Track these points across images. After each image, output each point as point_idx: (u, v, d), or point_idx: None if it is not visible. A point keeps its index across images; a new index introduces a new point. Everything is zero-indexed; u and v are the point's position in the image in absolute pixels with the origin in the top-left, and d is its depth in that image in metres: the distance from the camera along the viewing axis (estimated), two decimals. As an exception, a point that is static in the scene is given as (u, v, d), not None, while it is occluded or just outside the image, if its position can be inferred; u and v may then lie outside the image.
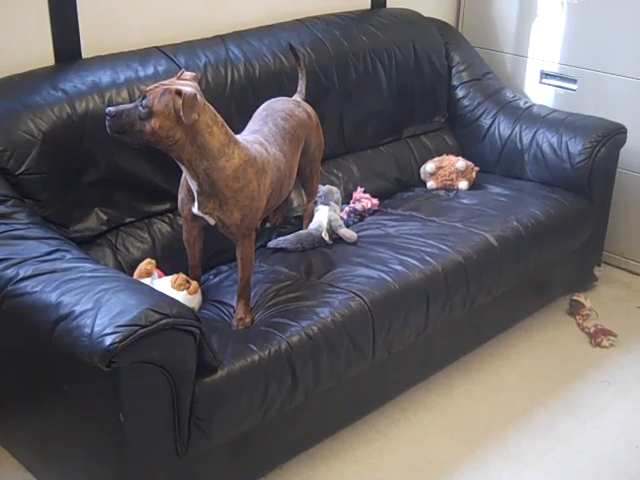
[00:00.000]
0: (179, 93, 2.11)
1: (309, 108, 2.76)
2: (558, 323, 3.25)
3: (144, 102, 2.13)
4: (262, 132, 2.52)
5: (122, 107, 2.17)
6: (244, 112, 2.80)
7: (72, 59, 2.66)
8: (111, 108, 2.17)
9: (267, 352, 2.18)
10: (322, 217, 2.85)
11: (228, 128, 2.28)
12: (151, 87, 2.17)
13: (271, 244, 2.78)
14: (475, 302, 2.77)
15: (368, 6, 3.58)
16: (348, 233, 2.84)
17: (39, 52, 2.61)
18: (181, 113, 2.10)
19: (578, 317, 3.23)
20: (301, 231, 2.83)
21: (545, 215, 3.04)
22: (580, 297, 3.27)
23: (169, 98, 2.12)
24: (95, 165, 2.50)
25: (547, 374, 2.95)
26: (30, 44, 2.60)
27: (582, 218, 3.20)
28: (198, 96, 2.15)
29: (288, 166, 2.54)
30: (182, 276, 2.39)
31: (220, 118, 2.26)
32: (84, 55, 2.70)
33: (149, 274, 2.38)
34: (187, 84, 2.19)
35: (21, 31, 2.58)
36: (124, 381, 1.88)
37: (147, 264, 2.41)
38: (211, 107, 2.24)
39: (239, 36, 3.01)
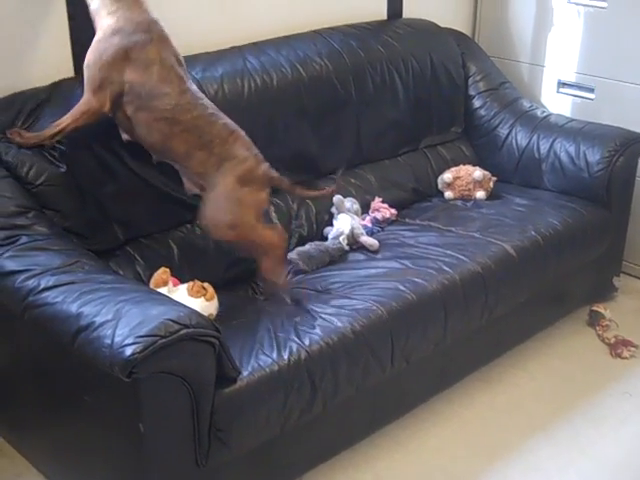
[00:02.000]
0: None
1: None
2: (578, 334, 3.23)
3: None
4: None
5: None
6: (260, 122, 2.82)
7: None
8: None
9: (286, 362, 2.18)
10: (344, 224, 2.86)
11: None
12: None
13: (290, 256, 2.76)
14: (494, 312, 2.76)
15: (384, 17, 3.59)
16: (370, 240, 2.85)
17: (59, 64, 2.63)
18: None
19: (598, 328, 3.21)
20: (316, 247, 2.81)
21: (563, 225, 3.02)
22: (600, 308, 3.25)
23: None
24: (114, 176, 2.52)
25: (567, 385, 2.93)
26: (50, 56, 2.62)
27: (601, 228, 3.19)
28: None
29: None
30: (198, 283, 2.38)
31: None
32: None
33: (165, 283, 2.38)
34: None
35: (41, 43, 2.61)
36: (144, 391, 1.88)
37: (162, 273, 2.40)
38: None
39: (256, 47, 3.02)
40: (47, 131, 2.39)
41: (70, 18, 2.62)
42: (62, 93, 2.53)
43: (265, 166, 2.51)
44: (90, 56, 2.37)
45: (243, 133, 2.50)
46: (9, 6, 2.52)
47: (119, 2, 2.35)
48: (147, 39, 2.37)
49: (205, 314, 2.12)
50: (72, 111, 2.38)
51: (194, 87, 2.49)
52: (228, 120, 2.49)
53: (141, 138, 2.43)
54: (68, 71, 2.65)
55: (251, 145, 2.51)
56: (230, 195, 2.43)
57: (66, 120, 2.38)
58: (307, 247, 2.81)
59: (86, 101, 2.37)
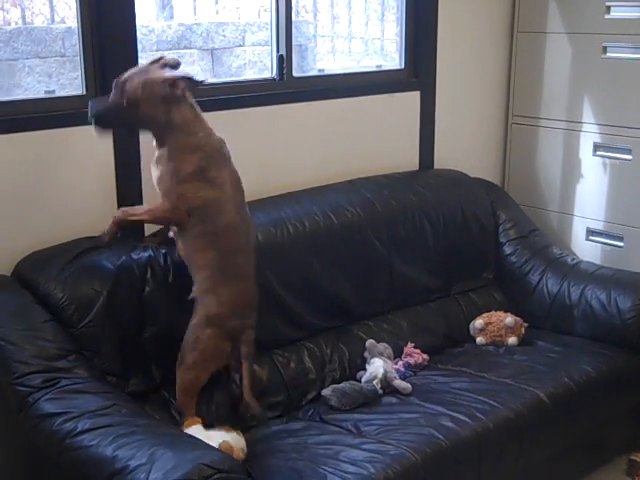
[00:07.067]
0: (166, 81, 2.37)
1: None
2: (616, 484, 3.16)
3: (126, 95, 2.36)
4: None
5: (103, 107, 2.41)
6: (293, 269, 2.91)
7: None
8: (92, 108, 2.41)
9: (319, 510, 2.16)
10: (377, 368, 2.89)
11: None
12: (124, 78, 2.39)
13: (324, 392, 2.81)
14: (528, 460, 2.72)
15: (417, 167, 3.73)
16: (403, 384, 2.86)
17: (105, 215, 2.74)
18: (177, 91, 2.37)
19: (637, 478, 3.13)
20: (351, 386, 2.84)
21: (597, 372, 3.01)
22: (638, 457, 3.18)
23: (154, 87, 2.37)
24: (154, 321, 2.59)
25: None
26: (97, 207, 2.77)
27: (636, 375, 3.16)
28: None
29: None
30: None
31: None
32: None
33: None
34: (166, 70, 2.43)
35: (89, 195, 2.76)
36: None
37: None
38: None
39: (291, 196, 3.15)
40: (120, 217, 2.51)
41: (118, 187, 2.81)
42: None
43: (240, 323, 2.53)
44: (166, 171, 2.46)
45: (248, 287, 2.57)
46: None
47: (201, 123, 2.48)
48: (222, 160, 2.51)
49: (239, 446, 2.14)
50: (150, 208, 2.52)
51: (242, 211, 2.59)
52: (246, 261, 2.56)
53: (182, 243, 2.52)
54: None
55: (239, 301, 2.54)
56: (193, 329, 2.49)
57: (142, 214, 2.54)
58: (342, 385, 2.83)
59: (166, 208, 2.47)
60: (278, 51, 3.22)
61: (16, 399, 2.23)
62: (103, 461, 1.97)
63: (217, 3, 4.44)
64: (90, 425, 2.09)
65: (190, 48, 3.91)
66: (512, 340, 3.28)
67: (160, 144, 2.48)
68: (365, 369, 2.97)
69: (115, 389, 2.38)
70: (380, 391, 2.85)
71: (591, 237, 3.77)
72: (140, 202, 2.81)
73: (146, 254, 2.64)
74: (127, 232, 2.63)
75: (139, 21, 2.81)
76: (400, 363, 3.04)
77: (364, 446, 2.47)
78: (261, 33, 4.05)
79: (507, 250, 3.62)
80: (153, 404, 2.55)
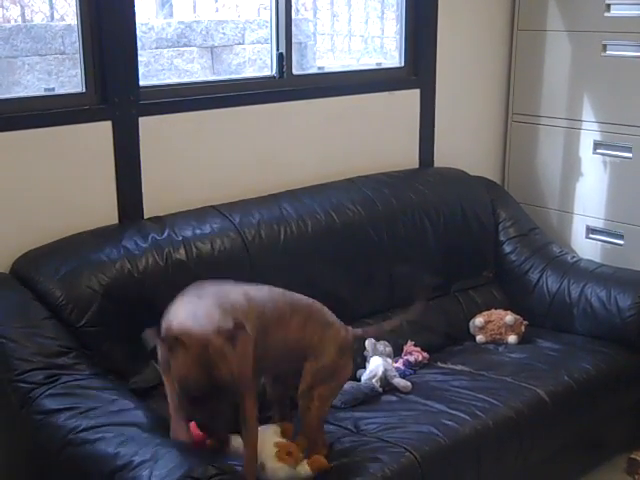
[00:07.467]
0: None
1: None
2: (616, 483, 3.16)
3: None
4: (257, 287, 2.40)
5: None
6: (295, 266, 2.91)
7: (134, 219, 2.81)
8: None
9: (318, 508, 2.17)
10: (377, 367, 2.89)
11: None
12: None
13: None
14: (528, 459, 2.72)
15: (416, 165, 3.73)
16: (403, 382, 2.87)
17: (104, 212, 2.77)
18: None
19: (637, 477, 3.13)
20: (349, 384, 2.83)
21: (597, 370, 3.01)
22: (638, 456, 3.18)
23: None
24: (153, 319, 2.58)
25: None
26: (96, 205, 2.77)
27: (635, 373, 3.16)
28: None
29: (277, 314, 2.33)
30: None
31: None
32: (145, 215, 2.85)
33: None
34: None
35: (88, 193, 2.76)
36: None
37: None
38: None
39: (292, 195, 3.14)
40: (252, 453, 2.16)
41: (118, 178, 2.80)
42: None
43: (350, 330, 2.51)
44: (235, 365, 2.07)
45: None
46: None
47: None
48: (218, 288, 2.28)
49: None
50: (253, 407, 2.18)
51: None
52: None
53: (270, 352, 2.29)
54: (113, 219, 2.80)
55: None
56: (332, 366, 2.40)
57: (253, 414, 2.18)
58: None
59: (253, 393, 2.19)
60: (278, 49, 3.22)
61: (17, 396, 2.24)
62: (105, 458, 1.98)
63: (217, 1, 4.45)
64: (92, 422, 2.09)
65: (190, 46, 3.92)
66: (512, 338, 3.28)
67: None
68: (365, 367, 2.97)
69: (117, 385, 2.38)
70: (380, 389, 2.85)
71: (591, 235, 3.77)
72: (139, 199, 2.82)
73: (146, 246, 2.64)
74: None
75: (139, 19, 2.81)
76: (400, 361, 3.04)
77: (363, 445, 2.46)
78: (261, 31, 4.06)
79: (507, 248, 3.62)
80: (155, 401, 2.53)
